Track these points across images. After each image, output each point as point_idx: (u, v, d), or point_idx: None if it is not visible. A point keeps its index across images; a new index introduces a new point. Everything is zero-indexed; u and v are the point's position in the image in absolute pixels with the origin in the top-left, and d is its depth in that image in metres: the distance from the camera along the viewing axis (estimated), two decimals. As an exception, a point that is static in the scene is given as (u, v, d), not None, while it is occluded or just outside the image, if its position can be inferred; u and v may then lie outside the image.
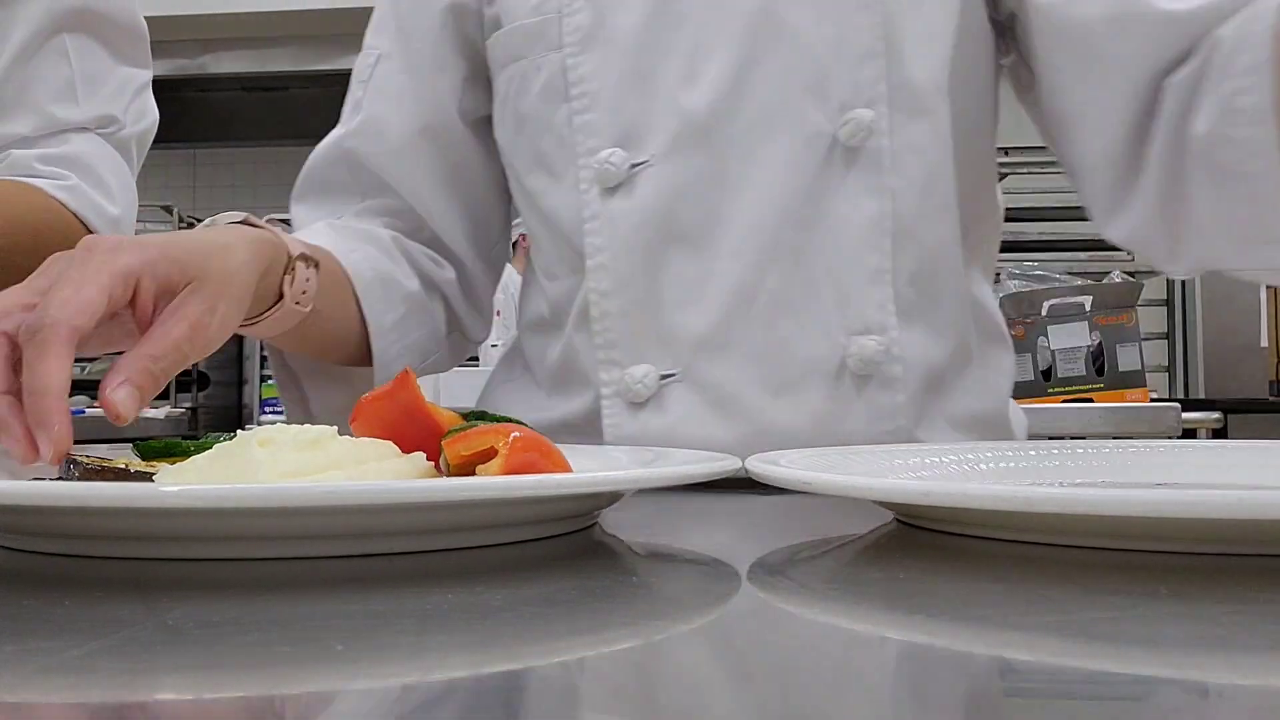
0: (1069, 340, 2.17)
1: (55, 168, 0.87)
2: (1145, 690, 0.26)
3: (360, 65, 0.88)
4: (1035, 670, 0.28)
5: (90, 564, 0.41)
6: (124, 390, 0.48)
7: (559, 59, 0.76)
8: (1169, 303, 3.66)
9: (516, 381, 0.87)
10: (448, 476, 0.46)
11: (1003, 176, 3.76)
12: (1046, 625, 0.32)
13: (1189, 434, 2.29)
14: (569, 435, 0.78)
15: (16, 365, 0.48)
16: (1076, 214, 3.66)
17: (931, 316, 0.76)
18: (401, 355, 0.81)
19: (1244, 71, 0.66)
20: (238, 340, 3.76)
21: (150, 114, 0.96)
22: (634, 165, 0.74)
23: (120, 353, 0.52)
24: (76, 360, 0.49)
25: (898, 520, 0.50)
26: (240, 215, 0.65)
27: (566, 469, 0.45)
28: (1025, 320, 2.18)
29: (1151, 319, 3.47)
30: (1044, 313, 2.18)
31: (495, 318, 0.95)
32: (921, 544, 0.45)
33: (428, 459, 0.47)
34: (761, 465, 0.48)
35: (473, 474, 0.45)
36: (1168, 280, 3.65)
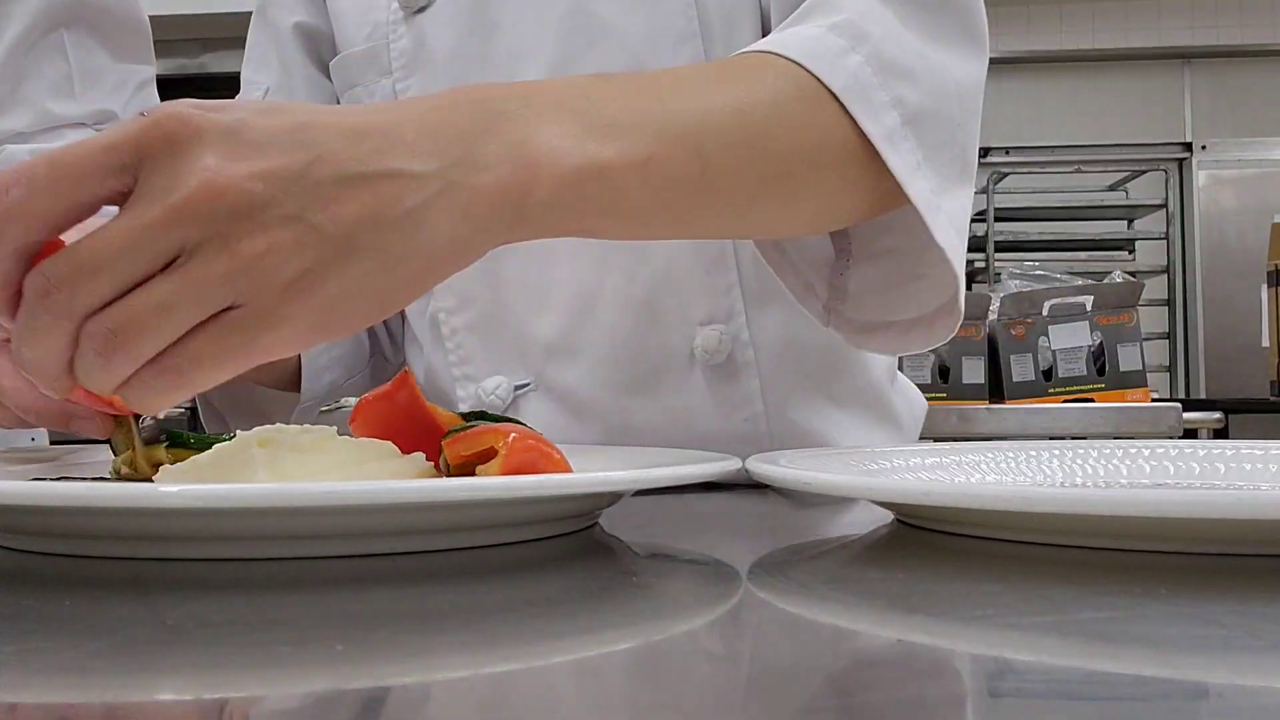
0: (1070, 340, 2.17)
1: None
2: (1145, 690, 0.26)
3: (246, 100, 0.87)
4: (1035, 670, 0.28)
5: (90, 564, 0.41)
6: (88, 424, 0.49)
7: (389, 84, 0.77)
8: (1170, 303, 3.66)
9: None
10: (448, 476, 0.46)
11: (1002, 177, 3.77)
12: (1046, 625, 0.32)
13: (1190, 434, 2.30)
14: None
15: None
16: (1076, 214, 3.67)
17: (786, 297, 0.74)
18: (329, 366, 0.81)
19: None
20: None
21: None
22: None
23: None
24: None
25: (898, 520, 0.50)
26: None
27: (566, 469, 0.45)
28: (1026, 320, 2.18)
29: (1152, 319, 3.47)
30: (1045, 313, 2.18)
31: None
32: (921, 544, 0.45)
33: (428, 459, 0.47)
34: (761, 465, 0.48)
35: (473, 474, 0.45)
36: (1169, 280, 3.65)
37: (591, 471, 0.44)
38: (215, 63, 3.73)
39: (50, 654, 0.29)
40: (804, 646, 0.32)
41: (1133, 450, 0.59)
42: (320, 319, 0.39)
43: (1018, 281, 2.61)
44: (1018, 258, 3.47)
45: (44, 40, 0.88)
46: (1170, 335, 3.66)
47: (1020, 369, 2.17)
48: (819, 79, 0.54)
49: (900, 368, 0.88)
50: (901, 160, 0.55)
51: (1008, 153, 3.91)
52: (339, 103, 0.83)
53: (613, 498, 0.49)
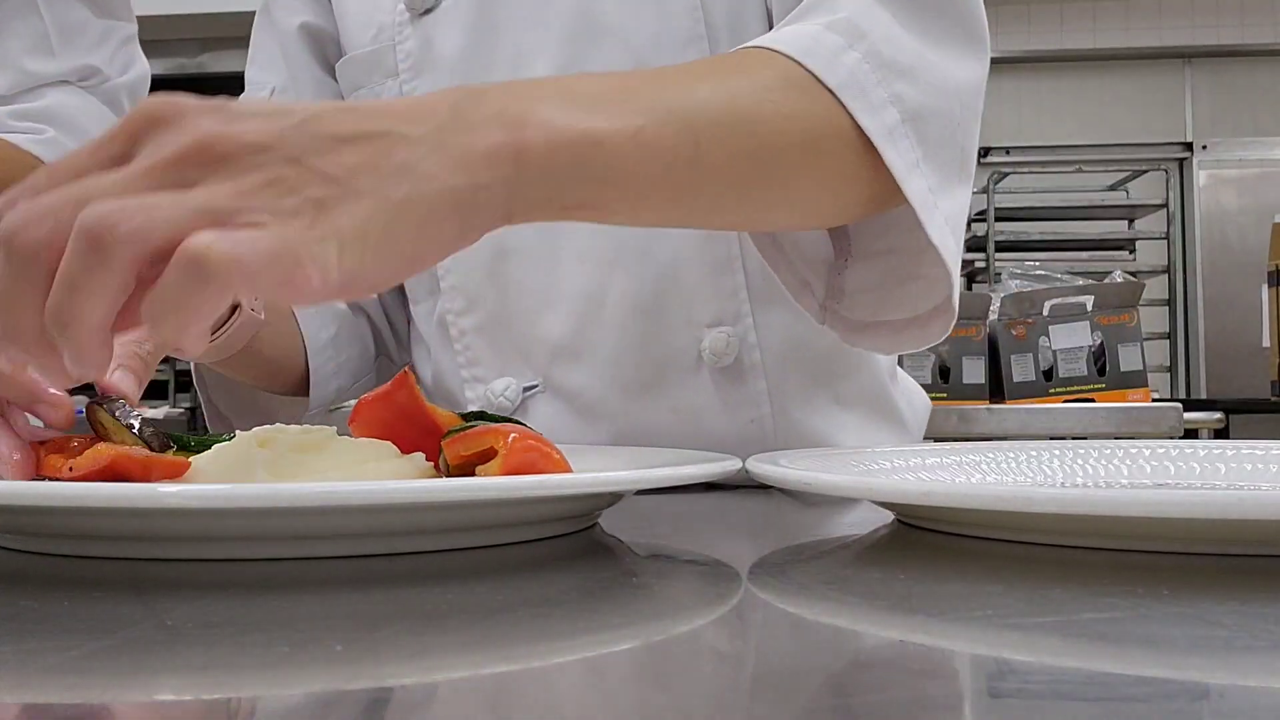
0: (1070, 340, 2.17)
1: (30, 122, 0.84)
2: (1145, 690, 0.26)
3: (255, 98, 0.87)
4: (1035, 670, 0.28)
5: (90, 564, 0.41)
6: (119, 374, 0.47)
7: (396, 86, 0.77)
8: (1171, 303, 3.66)
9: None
10: (448, 476, 0.46)
11: (1003, 177, 3.77)
12: (1046, 625, 0.32)
13: (1190, 434, 2.30)
14: None
15: None
16: (1077, 214, 3.67)
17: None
18: (336, 373, 0.81)
19: None
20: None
21: (139, 64, 0.93)
22: None
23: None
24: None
25: (898, 520, 0.50)
26: None
27: (566, 469, 0.45)
28: (1026, 320, 2.18)
29: (1153, 319, 3.47)
30: (1045, 313, 2.18)
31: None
32: (921, 544, 0.45)
33: (427, 459, 0.47)
34: (761, 465, 0.48)
35: (473, 474, 0.45)
36: (1169, 280, 3.65)
37: (591, 471, 0.44)
38: (215, 62, 3.73)
39: (50, 654, 0.29)
40: (804, 647, 0.32)
41: (1133, 450, 0.59)
42: (344, 254, 0.37)
43: (1018, 281, 2.61)
44: (1018, 258, 3.47)
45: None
46: (1171, 335, 3.66)
47: (1021, 369, 2.17)
48: (815, 74, 0.54)
49: (900, 366, 0.88)
50: (900, 157, 0.55)
51: (1008, 153, 3.91)
52: None
53: (613, 498, 0.49)
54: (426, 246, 0.40)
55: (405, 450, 0.47)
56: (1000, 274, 2.94)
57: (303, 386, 0.80)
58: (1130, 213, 3.70)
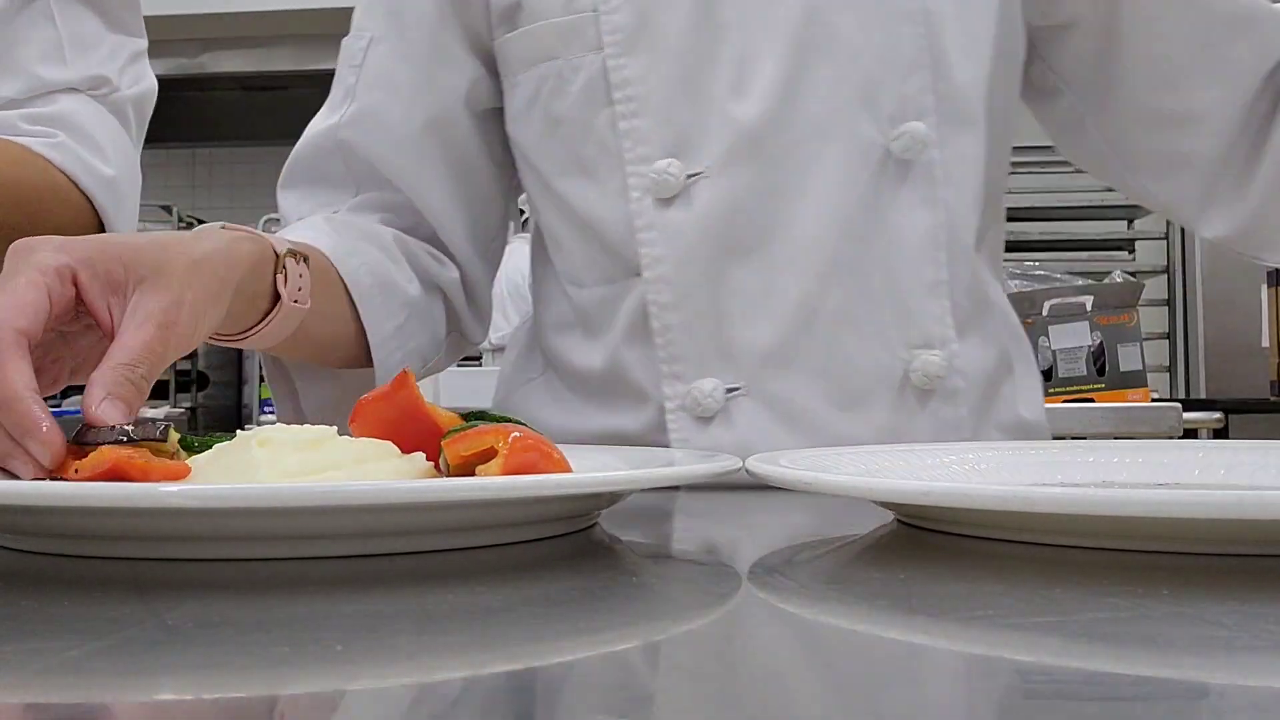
0: (1070, 340, 2.17)
1: (43, 126, 0.84)
2: (1145, 690, 0.26)
3: (350, 48, 0.84)
4: (1035, 670, 0.28)
5: (90, 564, 0.41)
6: (107, 405, 0.46)
7: (599, 60, 0.74)
8: (1170, 303, 3.66)
9: (539, 382, 0.85)
10: (448, 476, 0.46)
11: (1003, 176, 3.75)
12: (1046, 625, 0.32)
13: (1190, 434, 2.29)
14: (622, 445, 0.77)
15: None
16: (1077, 214, 3.67)
17: (983, 326, 0.77)
18: (403, 361, 0.79)
19: None
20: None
21: (147, 80, 0.94)
22: (690, 175, 0.73)
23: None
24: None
25: (898, 520, 0.50)
26: (219, 225, 0.62)
27: (566, 469, 0.45)
28: (1026, 320, 2.18)
29: (1153, 319, 3.47)
30: (1045, 313, 2.18)
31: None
32: (921, 544, 0.45)
33: (428, 459, 0.47)
34: (761, 465, 0.48)
35: (473, 474, 0.45)
36: (1169, 280, 3.65)
37: (591, 471, 0.44)
38: (214, 62, 3.73)
39: (50, 654, 0.29)
40: (804, 647, 0.32)
41: (1133, 450, 0.59)
42: None
43: (1018, 281, 2.61)
44: (1018, 258, 3.47)
45: (29, 8, 0.87)
46: (1170, 335, 3.66)
47: (1020, 369, 2.16)
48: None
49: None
50: None
51: (1008, 152, 3.91)
52: (518, 75, 0.79)
53: (613, 498, 0.49)
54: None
55: (405, 450, 0.47)
56: (1000, 274, 2.93)
57: (364, 359, 0.77)
58: (1130, 213, 3.70)
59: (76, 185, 0.83)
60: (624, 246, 0.75)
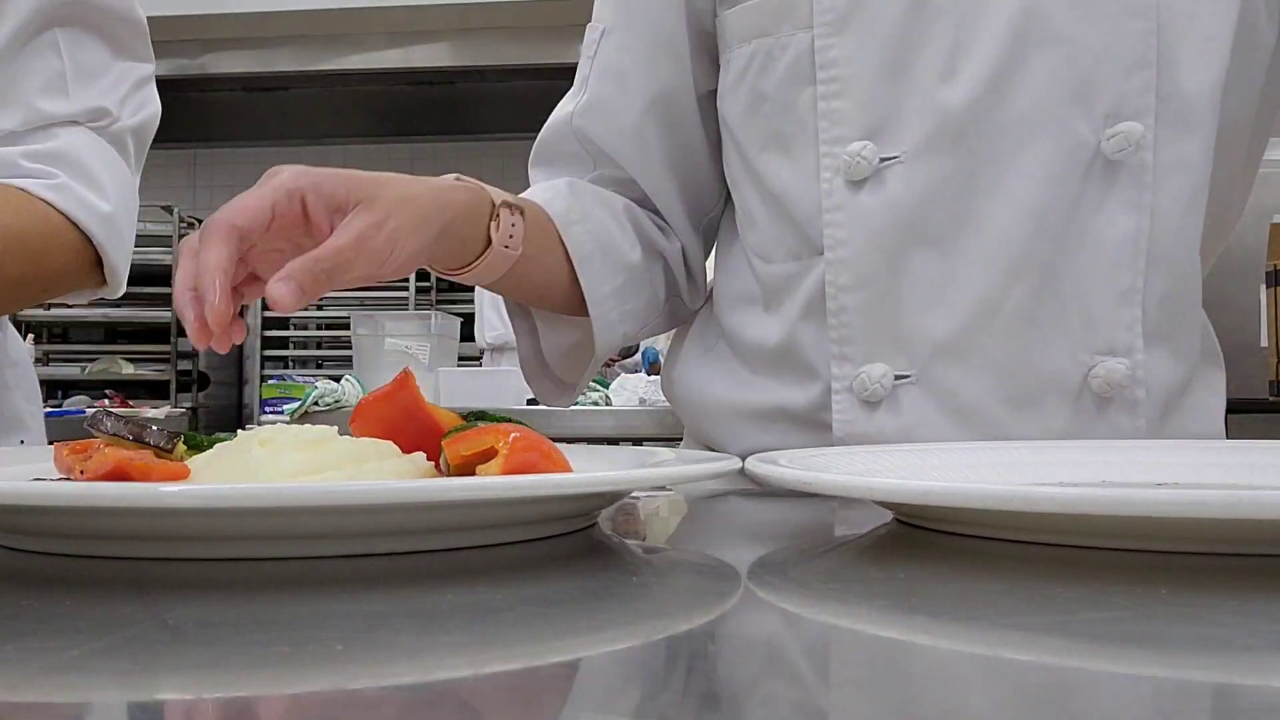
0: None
1: (42, 165, 0.85)
2: (1145, 690, 0.26)
3: (587, 39, 0.88)
4: (1035, 670, 0.28)
5: (90, 564, 0.41)
6: (284, 284, 0.53)
7: (808, 39, 0.74)
8: (1169, 303, 3.65)
9: (715, 355, 0.86)
10: (448, 476, 0.46)
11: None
12: (1047, 625, 0.32)
13: (1189, 434, 2.29)
14: (786, 422, 0.78)
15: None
16: (1077, 214, 3.66)
17: (1175, 339, 0.74)
18: (621, 321, 0.81)
19: None
20: (238, 340, 3.74)
21: (150, 105, 0.94)
22: (884, 160, 0.72)
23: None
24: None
25: (898, 520, 0.50)
26: (452, 176, 0.70)
27: (566, 469, 0.45)
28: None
29: (1152, 319, 3.47)
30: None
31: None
32: (921, 544, 0.45)
33: (428, 459, 0.47)
34: (761, 465, 0.48)
35: (473, 474, 0.45)
36: (1168, 280, 3.64)
37: (591, 471, 0.44)
38: (215, 63, 3.73)
39: (50, 654, 0.29)
40: (804, 646, 0.32)
41: (1132, 450, 0.59)
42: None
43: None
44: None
45: (37, 39, 0.87)
46: (1170, 335, 3.65)
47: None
48: None
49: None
50: None
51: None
52: (731, 51, 0.81)
53: (613, 498, 0.49)
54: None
55: (406, 450, 0.47)
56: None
57: (581, 308, 0.81)
58: (1129, 213, 3.70)
59: (75, 225, 0.84)
60: (811, 225, 0.76)
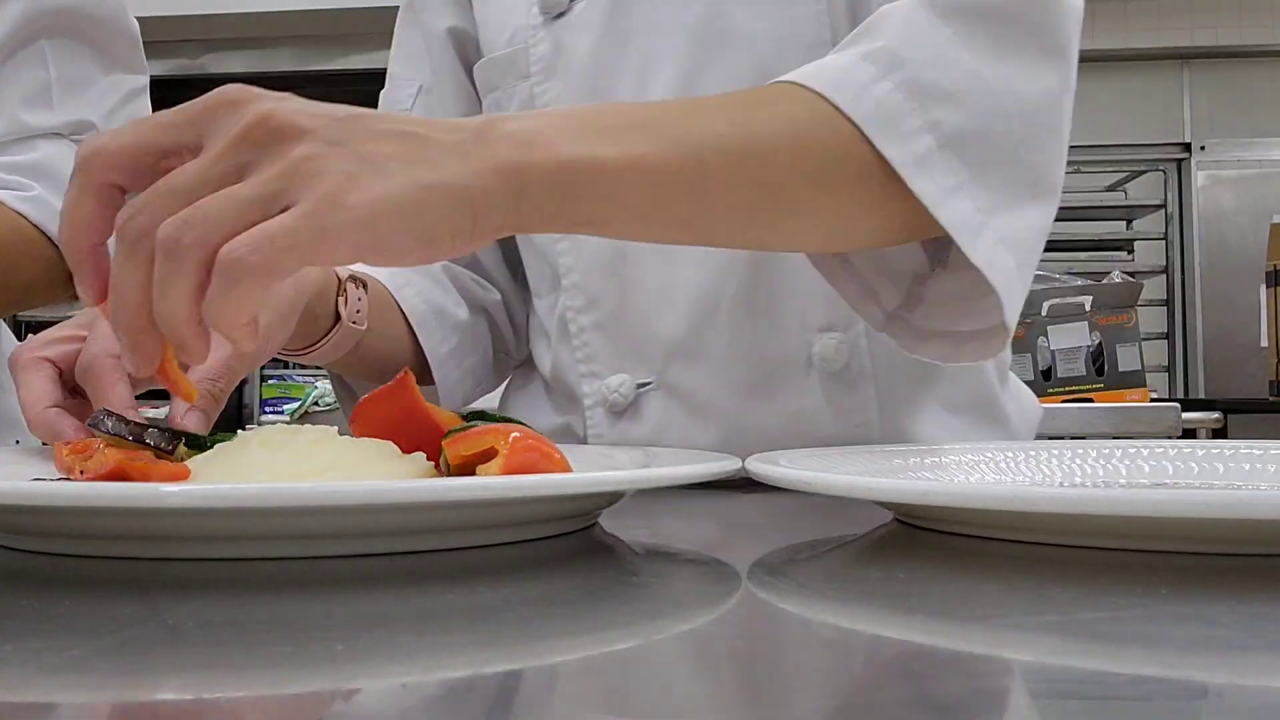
0: (1069, 340, 2.17)
1: (19, 177, 0.84)
2: (1145, 690, 0.26)
3: (398, 94, 0.89)
4: (1035, 670, 0.28)
5: (90, 564, 0.41)
6: (191, 415, 0.53)
7: (527, 88, 0.79)
8: (1169, 303, 3.66)
9: (529, 389, 0.89)
10: (448, 476, 0.46)
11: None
12: (1046, 625, 0.32)
13: (1189, 434, 2.29)
14: (569, 440, 0.80)
15: None
16: (1077, 214, 3.67)
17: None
18: (461, 381, 0.84)
19: None
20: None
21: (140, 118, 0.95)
22: None
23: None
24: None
25: (898, 520, 0.50)
26: None
27: (566, 469, 0.45)
28: (1025, 320, 2.18)
29: (1151, 319, 3.47)
30: (1044, 313, 2.18)
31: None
32: (921, 544, 0.45)
33: (428, 459, 0.47)
34: (761, 465, 0.48)
35: (473, 474, 0.45)
36: (1168, 280, 3.65)
37: (591, 471, 0.44)
38: (215, 63, 3.73)
39: (50, 654, 0.29)
40: (804, 646, 0.32)
41: (1132, 450, 0.59)
42: (367, 220, 0.43)
43: (1017, 281, 2.61)
44: (1017, 258, 3.46)
45: (24, 50, 0.87)
46: (1169, 335, 3.66)
47: (1019, 369, 2.17)
48: (839, 108, 0.55)
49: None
50: (934, 184, 0.55)
51: (1007, 153, 3.91)
52: (481, 107, 0.85)
53: (613, 498, 0.49)
54: (441, 231, 0.45)
55: (406, 450, 0.47)
56: (999, 274, 2.93)
57: (425, 378, 0.82)
58: (1128, 213, 3.70)
59: (49, 239, 0.84)
60: (551, 256, 0.80)
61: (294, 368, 5.36)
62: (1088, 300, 2.19)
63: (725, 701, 0.26)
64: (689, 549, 0.50)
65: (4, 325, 0.97)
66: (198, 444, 0.50)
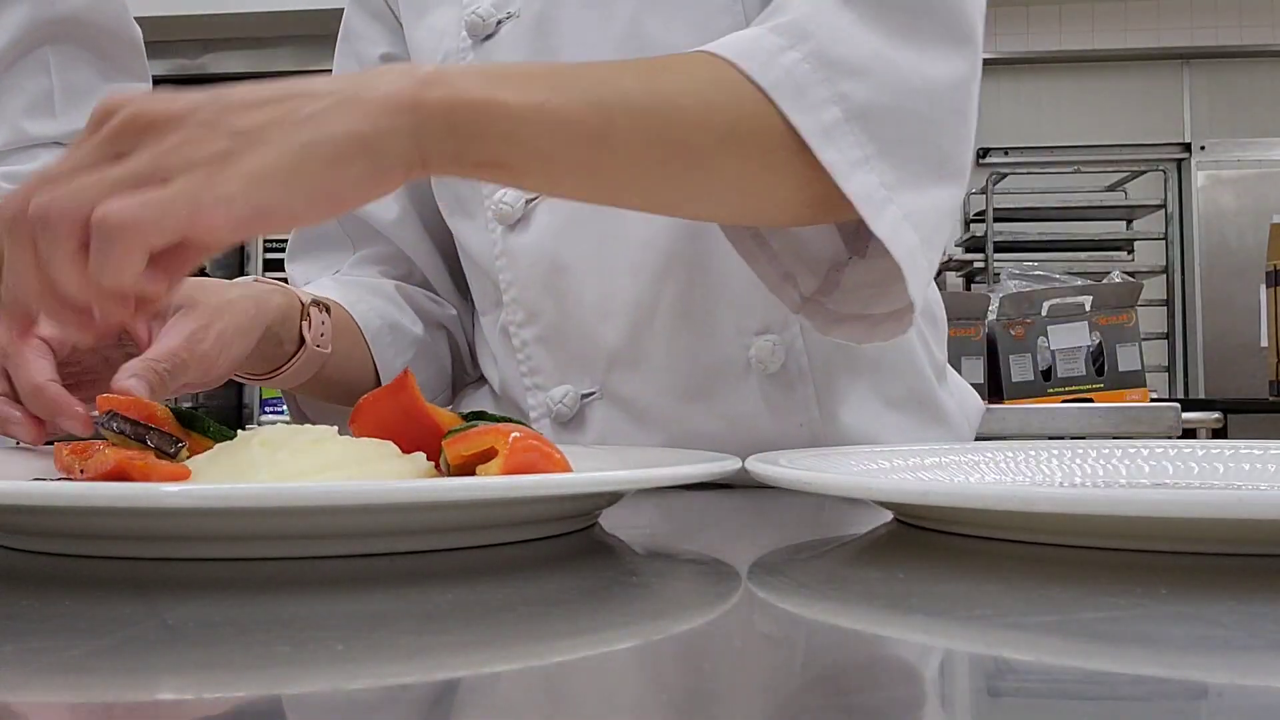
0: (1069, 340, 2.18)
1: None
2: (1145, 690, 0.26)
3: None
4: (1035, 670, 0.28)
5: (90, 564, 0.41)
6: (132, 380, 0.53)
7: None
8: (1169, 303, 3.66)
9: (477, 400, 0.90)
10: (448, 476, 0.46)
11: (1002, 177, 3.77)
12: (1046, 625, 0.32)
13: (1189, 434, 2.30)
14: None
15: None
16: (1076, 214, 3.67)
17: None
18: None
19: None
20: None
21: None
22: (528, 201, 0.77)
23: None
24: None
25: (898, 520, 0.50)
26: (252, 278, 0.70)
27: (566, 469, 0.45)
28: (1025, 320, 2.18)
29: (1151, 319, 3.48)
30: (1044, 313, 2.18)
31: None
32: (921, 544, 0.45)
33: (428, 459, 0.47)
34: (761, 465, 0.48)
35: (473, 474, 0.45)
36: (1168, 280, 3.65)
37: (591, 471, 0.44)
38: (215, 63, 3.73)
39: (50, 654, 0.29)
40: (804, 646, 0.32)
41: (1132, 450, 0.59)
42: (243, 192, 0.43)
43: (1017, 281, 2.61)
44: (1017, 258, 3.47)
45: (27, 57, 0.86)
46: (1169, 335, 3.66)
47: (1019, 369, 2.17)
48: (747, 75, 0.55)
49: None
50: (840, 155, 0.55)
51: (1007, 153, 3.92)
52: None
53: (613, 498, 0.49)
54: (340, 184, 0.45)
55: (406, 450, 0.47)
56: (999, 274, 2.94)
57: None
58: (1129, 213, 3.70)
59: None
60: (491, 273, 0.80)
61: (294, 368, 5.37)
62: (1088, 300, 2.19)
63: (725, 701, 0.26)
64: (689, 549, 0.50)
65: None
66: (200, 429, 0.50)
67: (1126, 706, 0.25)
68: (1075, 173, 3.73)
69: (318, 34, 3.73)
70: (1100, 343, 2.18)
